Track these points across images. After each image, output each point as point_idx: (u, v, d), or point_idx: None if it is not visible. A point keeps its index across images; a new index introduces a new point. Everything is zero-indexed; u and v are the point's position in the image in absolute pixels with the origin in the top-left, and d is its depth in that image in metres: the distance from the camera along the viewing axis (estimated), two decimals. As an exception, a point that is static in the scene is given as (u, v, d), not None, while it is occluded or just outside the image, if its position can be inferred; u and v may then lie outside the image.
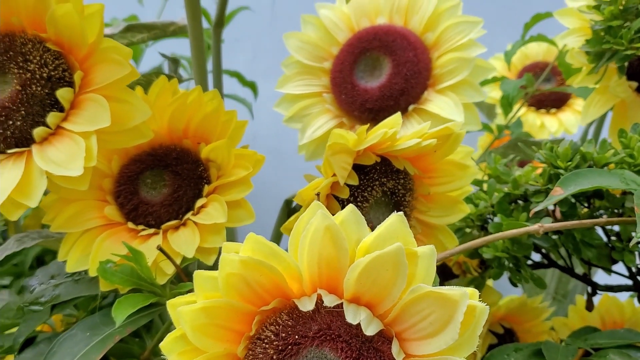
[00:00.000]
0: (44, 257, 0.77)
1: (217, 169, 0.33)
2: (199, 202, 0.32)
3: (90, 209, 0.31)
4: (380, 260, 0.19)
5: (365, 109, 0.45)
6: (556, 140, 0.56)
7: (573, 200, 0.36)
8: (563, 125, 0.77)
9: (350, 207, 0.21)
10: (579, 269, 0.41)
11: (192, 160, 0.33)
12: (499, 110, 0.76)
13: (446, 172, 0.34)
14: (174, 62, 0.39)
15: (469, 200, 0.40)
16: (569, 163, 0.35)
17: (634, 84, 0.46)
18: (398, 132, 0.31)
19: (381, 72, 0.46)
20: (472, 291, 0.19)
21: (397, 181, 0.34)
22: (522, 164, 0.63)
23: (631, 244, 0.28)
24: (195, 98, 0.32)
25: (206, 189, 0.32)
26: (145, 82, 0.35)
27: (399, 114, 0.32)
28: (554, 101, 0.80)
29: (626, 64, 0.45)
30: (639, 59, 0.46)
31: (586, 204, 0.37)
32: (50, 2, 0.28)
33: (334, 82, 0.47)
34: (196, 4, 0.33)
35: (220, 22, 0.40)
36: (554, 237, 0.38)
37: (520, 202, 0.40)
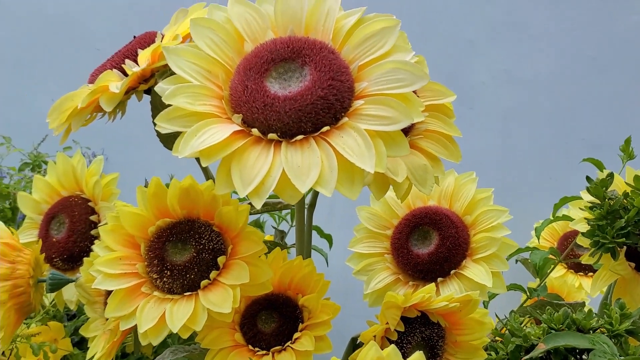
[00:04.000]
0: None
1: (308, 313, 0.48)
2: (296, 335, 0.47)
3: (226, 334, 0.47)
4: (408, 380, 0.34)
5: (417, 269, 0.59)
6: (577, 303, 0.68)
7: (565, 352, 0.49)
8: (597, 287, 0.86)
9: (392, 346, 0.35)
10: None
11: (292, 305, 0.49)
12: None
13: (469, 326, 0.48)
14: (281, 232, 0.56)
15: (492, 348, 0.53)
16: (561, 325, 0.48)
17: (632, 264, 0.59)
18: (432, 296, 0.46)
19: (430, 242, 0.60)
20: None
21: (432, 330, 0.48)
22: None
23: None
24: (297, 263, 0.48)
25: (300, 326, 0.48)
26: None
27: (433, 285, 0.47)
28: (590, 265, 0.91)
29: (622, 249, 0.58)
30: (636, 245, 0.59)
31: (578, 356, 0.49)
32: (219, 204, 0.46)
33: (393, 246, 0.61)
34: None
35: (313, 204, 0.57)
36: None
37: (531, 352, 0.52)
